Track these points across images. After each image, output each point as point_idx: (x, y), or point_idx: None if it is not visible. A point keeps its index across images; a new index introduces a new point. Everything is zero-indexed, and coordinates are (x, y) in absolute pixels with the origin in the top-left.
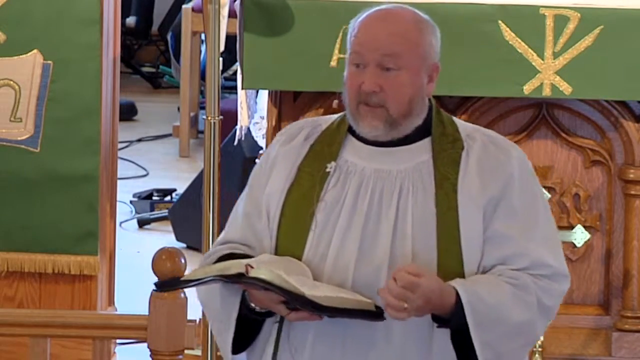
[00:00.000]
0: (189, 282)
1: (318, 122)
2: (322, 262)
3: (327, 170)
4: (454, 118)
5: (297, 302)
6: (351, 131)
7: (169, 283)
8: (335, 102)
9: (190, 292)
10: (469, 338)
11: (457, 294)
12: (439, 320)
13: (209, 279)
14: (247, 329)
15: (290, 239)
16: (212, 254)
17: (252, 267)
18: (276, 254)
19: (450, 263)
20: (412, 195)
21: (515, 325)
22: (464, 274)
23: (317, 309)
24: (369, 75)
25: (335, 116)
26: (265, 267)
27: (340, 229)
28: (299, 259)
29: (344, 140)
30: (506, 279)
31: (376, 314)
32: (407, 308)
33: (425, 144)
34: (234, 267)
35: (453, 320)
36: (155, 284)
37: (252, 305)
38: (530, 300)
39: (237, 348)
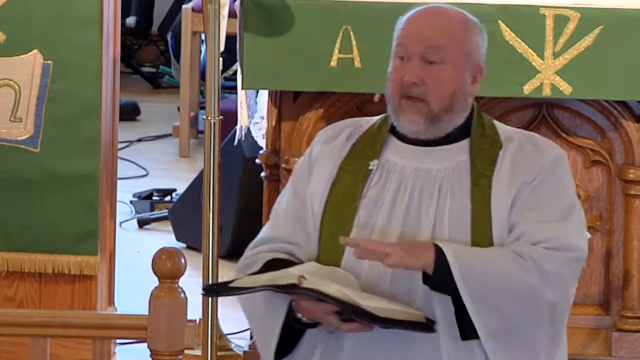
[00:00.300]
0: (239, 290)
1: (360, 122)
2: (361, 260)
3: (370, 168)
4: (495, 121)
5: (352, 313)
6: (393, 131)
7: (217, 289)
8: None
9: (191, 293)
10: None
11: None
12: (430, 281)
13: (260, 288)
14: (289, 337)
15: (333, 236)
16: (254, 255)
17: (304, 278)
18: (319, 251)
19: None
20: (450, 194)
21: (511, 278)
22: None
23: (373, 319)
24: (411, 67)
25: (376, 117)
26: (317, 277)
27: (380, 227)
28: (341, 256)
29: (386, 140)
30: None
31: (427, 326)
32: (388, 252)
33: (464, 144)
34: (286, 277)
35: (438, 273)
36: (204, 289)
37: (299, 315)
38: (526, 264)
39: (276, 355)
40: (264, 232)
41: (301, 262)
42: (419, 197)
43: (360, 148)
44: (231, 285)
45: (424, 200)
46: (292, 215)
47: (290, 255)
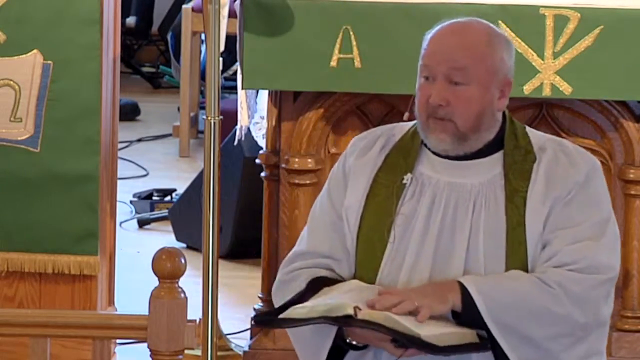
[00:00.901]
0: (294, 322)
1: (392, 131)
2: (397, 276)
3: (404, 182)
4: (528, 128)
5: (412, 343)
6: (425, 143)
7: (270, 320)
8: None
9: (191, 293)
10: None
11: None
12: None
13: (315, 320)
14: (335, 355)
15: (368, 251)
16: (294, 271)
17: (359, 309)
18: (356, 267)
19: None
20: (484, 210)
21: (538, 308)
22: None
23: (434, 350)
24: (437, 89)
25: (409, 124)
26: (363, 295)
27: (414, 243)
28: (376, 271)
29: (419, 152)
30: (532, 274)
31: (482, 346)
32: (417, 305)
33: (498, 157)
34: (341, 308)
35: (466, 311)
36: (255, 320)
37: (349, 340)
38: (554, 292)
39: None
40: (300, 245)
41: (341, 278)
42: (453, 213)
43: (394, 160)
44: (284, 316)
45: (459, 216)
46: (330, 227)
47: (330, 270)
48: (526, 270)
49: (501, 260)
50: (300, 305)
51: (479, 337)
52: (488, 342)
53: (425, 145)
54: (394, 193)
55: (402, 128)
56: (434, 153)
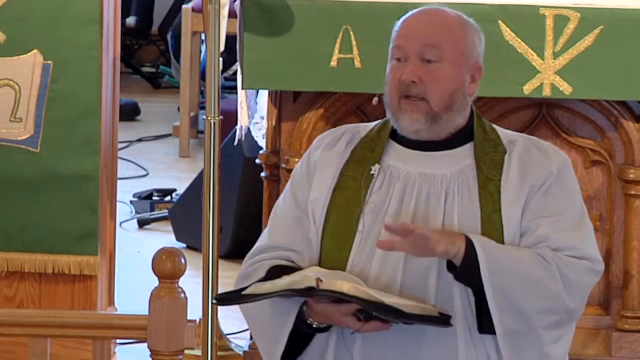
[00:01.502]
0: (255, 297)
1: (357, 128)
2: (368, 264)
3: (372, 172)
4: (494, 125)
5: (377, 310)
6: (393, 137)
7: (231, 297)
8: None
9: (191, 293)
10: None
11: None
12: (455, 271)
13: (277, 293)
14: (295, 344)
15: (336, 242)
16: (254, 263)
17: (321, 280)
18: (320, 258)
19: None
20: (458, 199)
21: (535, 279)
22: None
23: (399, 315)
24: (409, 67)
25: (374, 123)
26: (335, 278)
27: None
28: (345, 261)
29: (386, 145)
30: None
31: (445, 320)
32: (429, 236)
33: (467, 148)
34: (303, 281)
35: (465, 265)
36: (216, 298)
37: (310, 320)
38: (551, 268)
39: None
40: (262, 241)
41: (302, 269)
42: (425, 203)
43: (361, 153)
44: (245, 292)
45: (431, 206)
46: (291, 222)
47: (291, 262)
48: None
49: None
50: (261, 282)
51: (440, 314)
52: (449, 317)
53: (394, 139)
54: (362, 184)
55: (366, 126)
56: (403, 144)
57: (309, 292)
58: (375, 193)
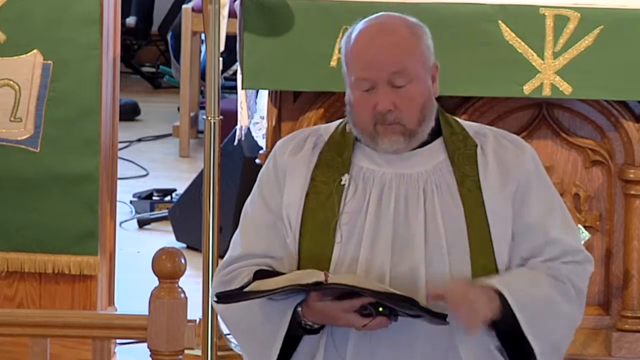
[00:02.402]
0: (260, 294)
1: (319, 131)
2: (351, 273)
3: (342, 183)
4: (456, 118)
5: (391, 300)
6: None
7: (232, 295)
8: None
9: (191, 293)
10: (520, 335)
11: (501, 295)
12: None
13: (283, 289)
14: (282, 347)
15: (315, 252)
16: (233, 271)
17: (328, 275)
18: (299, 266)
19: (483, 259)
20: (437, 196)
21: (563, 314)
22: (497, 268)
23: (413, 305)
24: (381, 95)
25: (333, 124)
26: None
27: (368, 238)
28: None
29: (354, 148)
30: (542, 270)
31: (442, 316)
32: (474, 306)
33: (437, 144)
34: (310, 276)
35: (503, 321)
36: (217, 295)
37: (304, 321)
38: (568, 290)
39: None
40: (234, 250)
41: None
42: (405, 203)
43: (328, 156)
44: (248, 289)
45: (410, 205)
46: (265, 228)
47: (272, 268)
48: (491, 250)
49: (464, 243)
50: (262, 280)
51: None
52: (446, 316)
53: (359, 141)
54: (334, 192)
55: (327, 128)
56: (372, 147)
57: (318, 286)
58: (349, 202)
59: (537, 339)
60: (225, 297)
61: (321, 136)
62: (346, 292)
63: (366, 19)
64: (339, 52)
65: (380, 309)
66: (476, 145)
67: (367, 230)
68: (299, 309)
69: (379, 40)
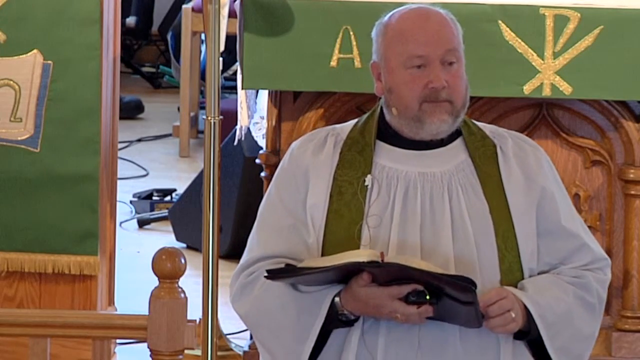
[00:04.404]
0: (314, 270)
1: (335, 131)
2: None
3: (366, 184)
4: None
5: (441, 282)
6: (379, 137)
7: (284, 271)
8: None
9: (191, 293)
10: (542, 344)
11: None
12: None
13: (339, 266)
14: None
15: (339, 252)
16: (256, 271)
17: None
18: None
19: (509, 257)
20: (463, 194)
21: (585, 330)
22: (522, 268)
23: (466, 287)
24: (436, 72)
25: (348, 124)
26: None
27: (395, 237)
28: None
29: (375, 147)
30: (568, 278)
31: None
32: (514, 317)
33: (457, 144)
34: (365, 255)
35: (525, 331)
36: (268, 271)
37: (342, 311)
38: (593, 305)
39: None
40: (253, 252)
41: None
42: (430, 202)
43: (349, 156)
44: (302, 265)
45: (436, 205)
46: (286, 230)
47: None
48: (517, 250)
49: (492, 241)
50: (314, 258)
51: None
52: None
53: (379, 139)
54: (358, 192)
55: (342, 128)
56: (393, 145)
57: (375, 265)
58: (374, 203)
59: (558, 352)
60: (277, 274)
61: (339, 135)
62: (393, 279)
63: (396, 10)
64: (339, 52)
65: (427, 297)
66: (494, 145)
67: (394, 232)
68: (337, 299)
69: (430, 21)
